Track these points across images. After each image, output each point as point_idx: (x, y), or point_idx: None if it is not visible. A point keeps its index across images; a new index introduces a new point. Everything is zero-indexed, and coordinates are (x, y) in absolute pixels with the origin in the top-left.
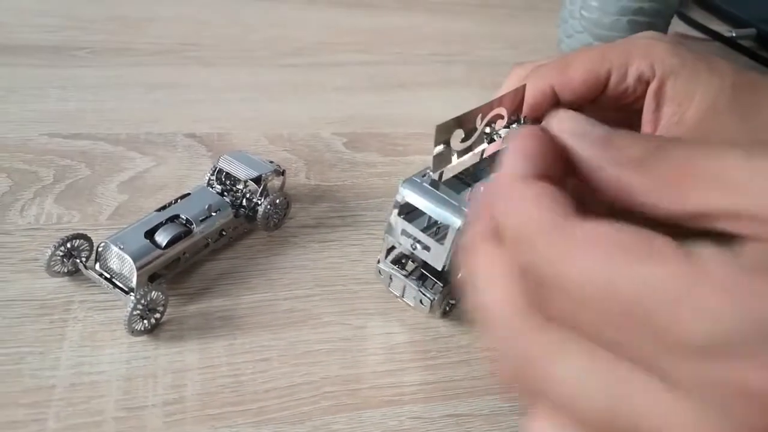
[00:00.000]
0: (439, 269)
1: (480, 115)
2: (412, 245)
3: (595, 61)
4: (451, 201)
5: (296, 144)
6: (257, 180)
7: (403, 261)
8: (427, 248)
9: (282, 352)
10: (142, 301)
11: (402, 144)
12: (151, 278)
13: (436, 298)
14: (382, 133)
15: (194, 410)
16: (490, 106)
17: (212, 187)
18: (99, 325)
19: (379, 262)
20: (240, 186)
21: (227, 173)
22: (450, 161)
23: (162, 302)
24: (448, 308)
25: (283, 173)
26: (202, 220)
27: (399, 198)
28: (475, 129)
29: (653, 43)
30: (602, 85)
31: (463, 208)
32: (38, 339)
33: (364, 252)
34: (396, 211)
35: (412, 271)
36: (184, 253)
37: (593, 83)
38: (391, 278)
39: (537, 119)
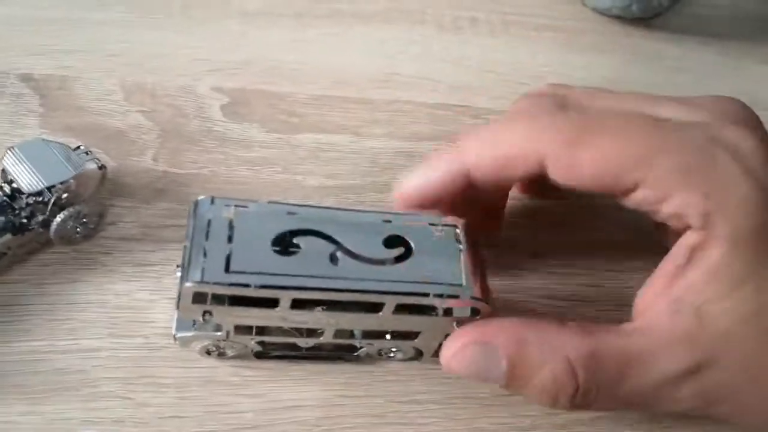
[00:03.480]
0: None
1: None
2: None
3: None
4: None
5: (159, 102)
6: (47, 190)
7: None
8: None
9: None
10: None
11: (298, 114)
12: None
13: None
14: (278, 94)
15: None
16: None
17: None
18: None
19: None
20: (27, 193)
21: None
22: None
23: None
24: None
25: (101, 168)
26: None
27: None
28: None
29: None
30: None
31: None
32: None
33: None
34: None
35: None
36: None
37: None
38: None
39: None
